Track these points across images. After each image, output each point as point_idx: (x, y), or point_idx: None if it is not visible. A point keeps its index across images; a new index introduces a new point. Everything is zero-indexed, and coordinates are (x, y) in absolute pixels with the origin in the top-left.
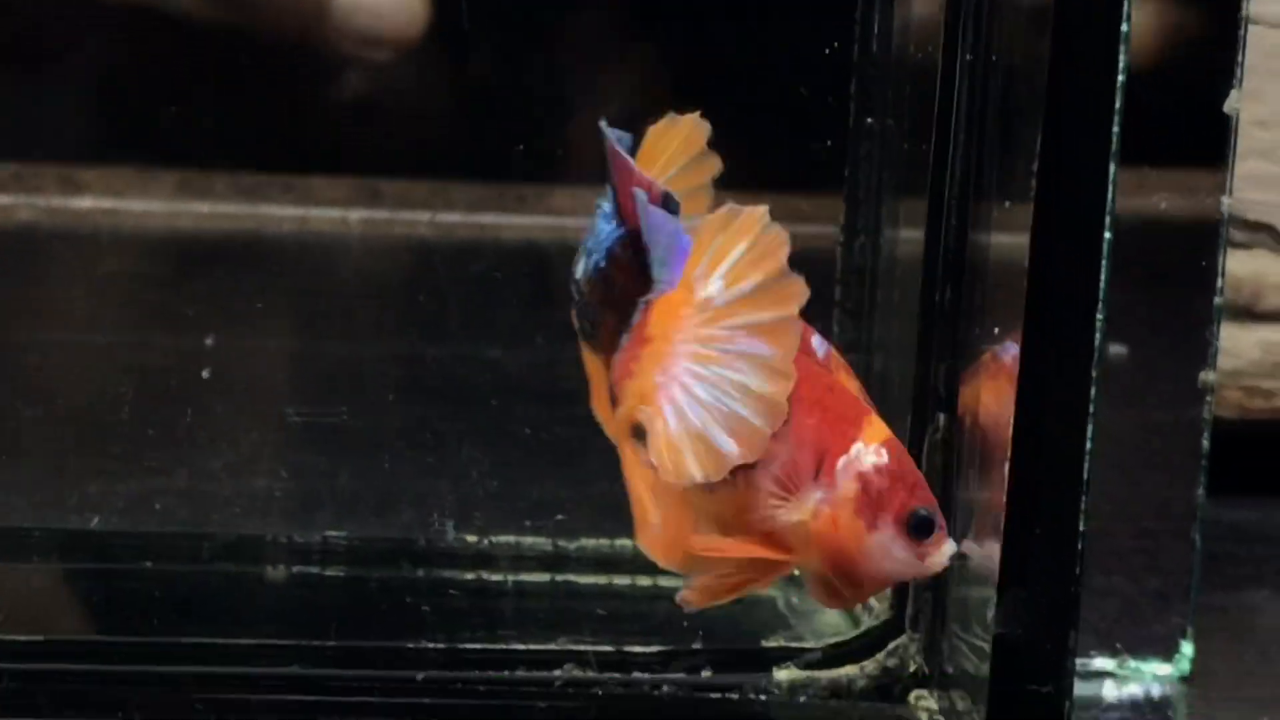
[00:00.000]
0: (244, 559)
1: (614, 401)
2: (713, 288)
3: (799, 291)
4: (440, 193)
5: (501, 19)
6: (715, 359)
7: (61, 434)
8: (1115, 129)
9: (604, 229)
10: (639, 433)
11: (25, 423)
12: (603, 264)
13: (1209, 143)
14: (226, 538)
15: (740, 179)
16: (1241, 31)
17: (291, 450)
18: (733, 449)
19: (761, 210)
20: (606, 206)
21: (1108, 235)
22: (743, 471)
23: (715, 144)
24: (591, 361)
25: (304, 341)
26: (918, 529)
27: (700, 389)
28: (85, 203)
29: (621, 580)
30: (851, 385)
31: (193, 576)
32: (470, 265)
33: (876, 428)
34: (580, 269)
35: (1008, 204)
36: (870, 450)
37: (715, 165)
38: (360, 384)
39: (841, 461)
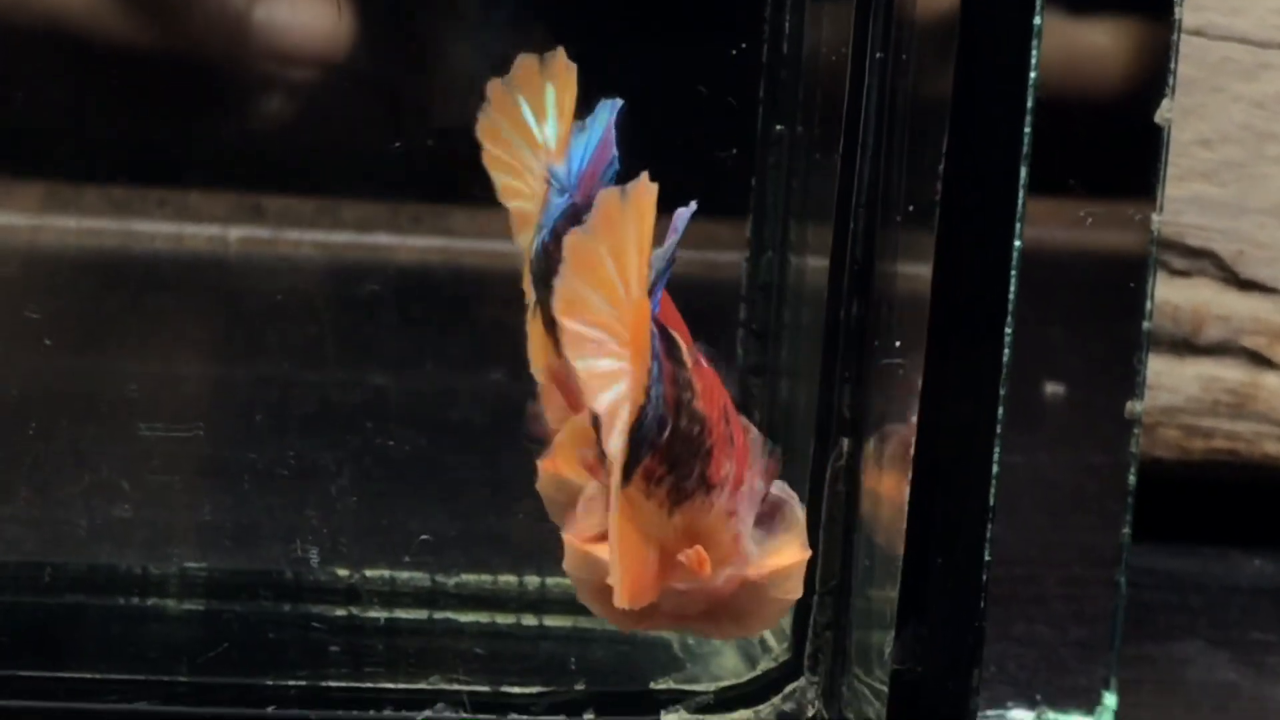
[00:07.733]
0: (96, 590)
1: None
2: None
3: None
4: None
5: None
6: None
7: None
8: (1026, 133)
9: (555, 202)
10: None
11: None
12: (548, 239)
13: (1139, 156)
14: (77, 568)
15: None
16: (1174, 37)
17: (154, 475)
18: None
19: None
20: (561, 176)
21: (1017, 244)
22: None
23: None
24: (537, 336)
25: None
26: None
27: None
28: None
29: (505, 619)
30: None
31: (40, 608)
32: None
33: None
34: (535, 242)
35: (915, 215)
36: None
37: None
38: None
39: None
